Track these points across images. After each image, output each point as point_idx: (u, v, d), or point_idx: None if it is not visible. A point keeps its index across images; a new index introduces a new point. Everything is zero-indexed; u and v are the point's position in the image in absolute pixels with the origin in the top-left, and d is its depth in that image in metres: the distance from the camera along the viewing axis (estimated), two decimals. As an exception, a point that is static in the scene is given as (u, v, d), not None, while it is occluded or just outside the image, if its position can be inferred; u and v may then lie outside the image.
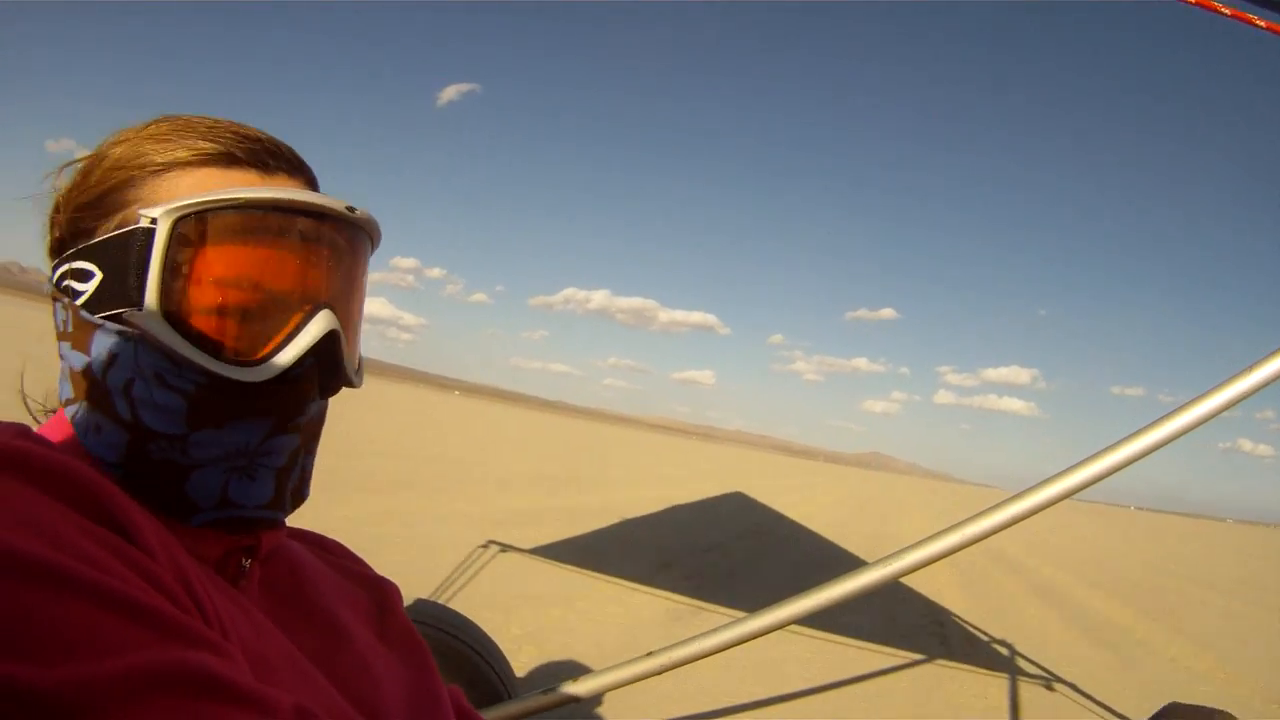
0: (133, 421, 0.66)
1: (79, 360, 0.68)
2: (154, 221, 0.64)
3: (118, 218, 0.69)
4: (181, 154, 0.70)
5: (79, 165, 0.73)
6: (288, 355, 0.68)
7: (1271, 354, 1.84)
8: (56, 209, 0.73)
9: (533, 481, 15.76)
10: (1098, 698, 5.62)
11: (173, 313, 0.65)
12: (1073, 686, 5.80)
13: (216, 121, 0.73)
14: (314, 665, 0.67)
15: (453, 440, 25.36)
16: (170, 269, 0.65)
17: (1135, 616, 10.24)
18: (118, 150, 0.71)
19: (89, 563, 0.48)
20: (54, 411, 0.75)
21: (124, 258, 0.66)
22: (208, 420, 0.66)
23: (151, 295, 0.64)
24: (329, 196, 0.71)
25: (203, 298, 0.66)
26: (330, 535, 0.96)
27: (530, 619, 5.53)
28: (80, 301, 0.68)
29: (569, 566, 7.42)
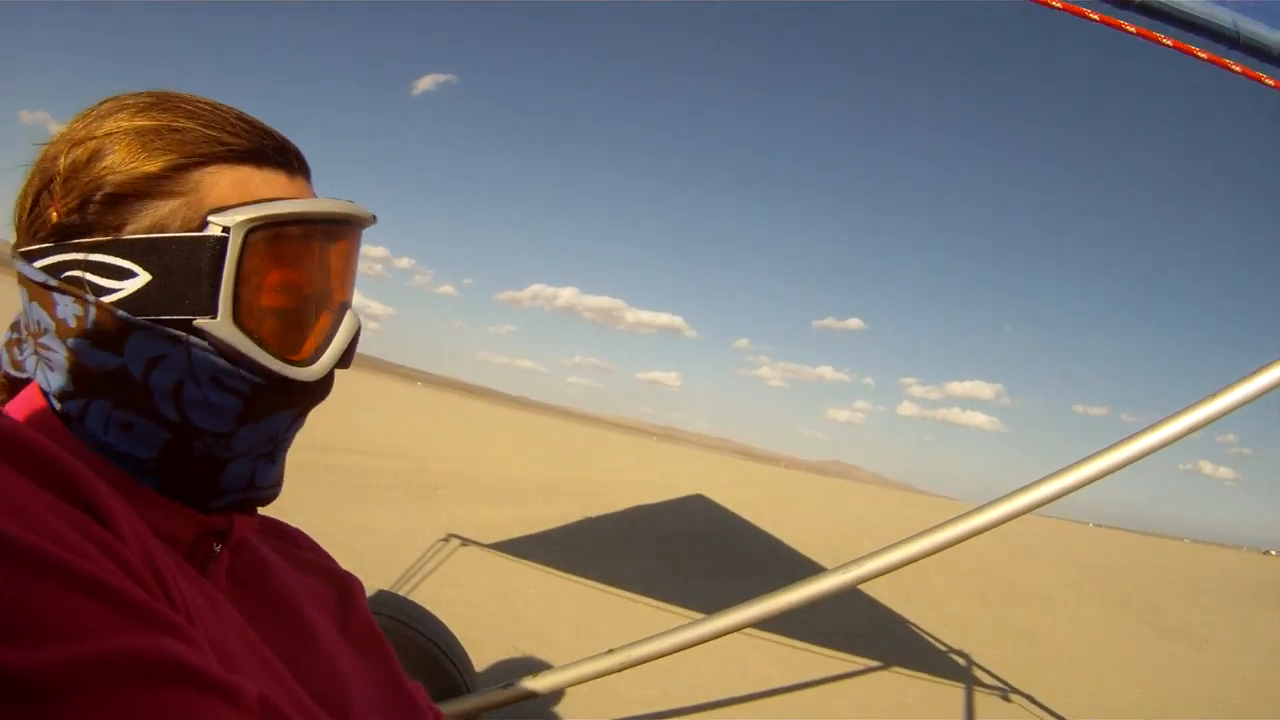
0: (179, 422, 0.67)
1: (104, 360, 0.66)
2: (225, 230, 0.66)
3: (148, 214, 0.67)
4: (215, 148, 0.69)
5: (82, 144, 0.68)
6: (332, 353, 0.75)
7: (1235, 383, 1.88)
8: (47, 189, 0.68)
9: (495, 476, 15.68)
10: (1054, 709, 5.69)
11: (238, 318, 0.67)
12: (1029, 698, 5.88)
13: (220, 106, 0.72)
14: (278, 659, 0.66)
15: (414, 431, 25.18)
16: (239, 277, 0.67)
17: (1096, 631, 10.39)
18: (127, 137, 0.67)
19: (61, 544, 0.47)
20: None
21: (185, 262, 0.66)
22: (253, 416, 0.70)
23: (225, 303, 0.66)
24: (360, 205, 0.77)
25: (264, 303, 0.70)
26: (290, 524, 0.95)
27: (490, 614, 5.50)
28: (113, 300, 0.65)
29: (530, 563, 7.40)
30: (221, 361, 0.67)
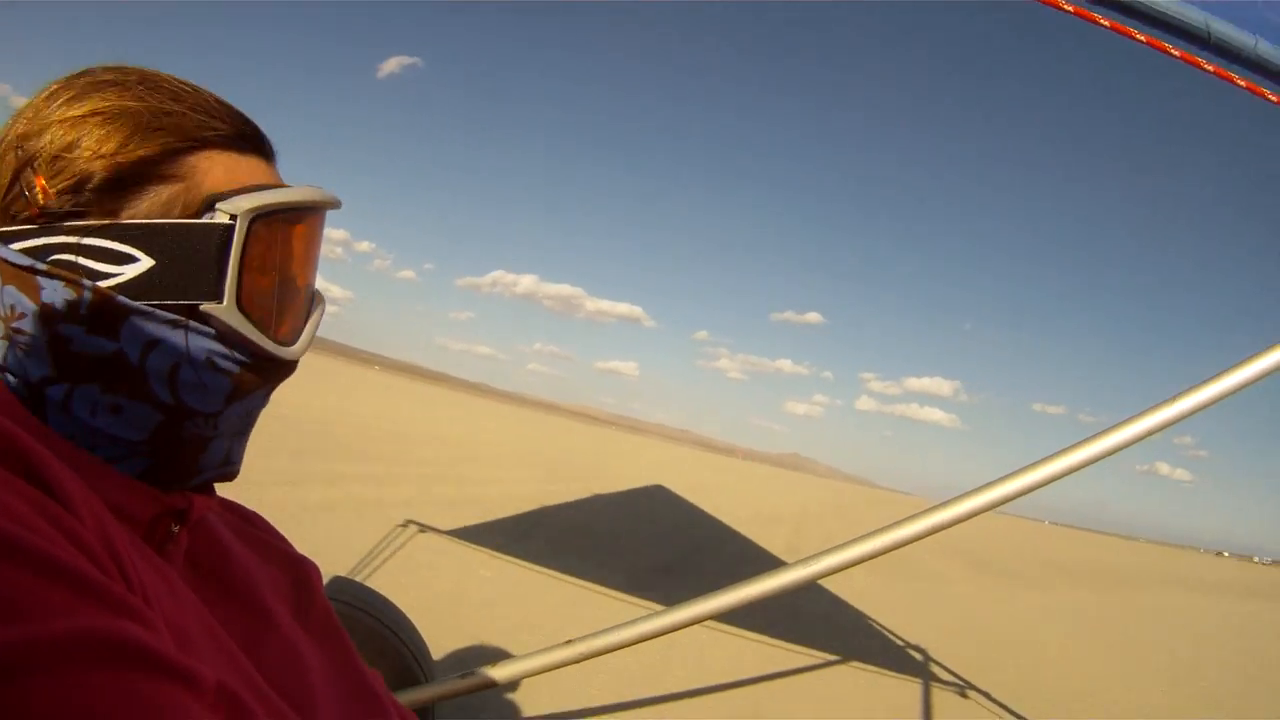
0: (174, 404, 0.68)
1: (98, 344, 0.65)
2: (232, 218, 0.69)
3: (146, 199, 0.66)
4: (207, 133, 0.70)
5: (67, 122, 0.66)
6: (308, 332, 0.80)
7: (1195, 386, 1.92)
8: (29, 168, 0.65)
9: (453, 462, 15.61)
10: (1010, 706, 5.77)
11: (239, 302, 0.70)
12: (985, 695, 5.96)
13: (198, 88, 0.73)
14: (235, 644, 0.65)
15: (371, 416, 24.94)
16: (242, 263, 0.70)
17: (1052, 628, 10.56)
18: (119, 117, 0.66)
19: (17, 522, 0.45)
20: None
21: (193, 248, 0.67)
22: (238, 395, 0.73)
23: (230, 288, 0.69)
24: (330, 192, 0.80)
25: (259, 287, 0.73)
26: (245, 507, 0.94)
27: (448, 601, 5.47)
28: (111, 284, 0.65)
29: (488, 550, 7.37)
30: (218, 344, 0.70)
